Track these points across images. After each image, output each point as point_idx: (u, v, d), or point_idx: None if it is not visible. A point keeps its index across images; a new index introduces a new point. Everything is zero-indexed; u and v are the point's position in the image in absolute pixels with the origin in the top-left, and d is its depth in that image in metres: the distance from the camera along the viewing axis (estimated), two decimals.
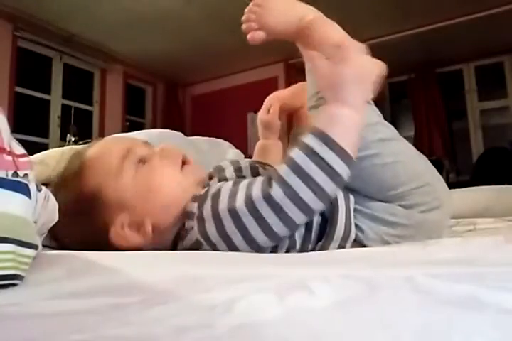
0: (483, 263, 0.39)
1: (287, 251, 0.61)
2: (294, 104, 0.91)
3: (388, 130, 0.68)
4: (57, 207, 0.52)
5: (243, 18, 0.69)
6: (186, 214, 0.59)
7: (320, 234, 0.62)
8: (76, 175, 0.62)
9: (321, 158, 0.53)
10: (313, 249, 0.62)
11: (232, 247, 0.55)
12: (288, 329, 0.24)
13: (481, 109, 4.43)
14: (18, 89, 3.52)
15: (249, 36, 0.67)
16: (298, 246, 0.61)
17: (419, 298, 0.27)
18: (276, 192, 0.53)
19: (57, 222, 0.52)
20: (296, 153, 0.55)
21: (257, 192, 0.54)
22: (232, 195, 0.56)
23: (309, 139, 0.55)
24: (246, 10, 0.69)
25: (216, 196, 0.58)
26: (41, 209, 0.43)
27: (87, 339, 0.24)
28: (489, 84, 4.46)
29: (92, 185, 0.60)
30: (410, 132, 4.53)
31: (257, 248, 0.56)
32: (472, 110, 4.46)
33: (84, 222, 0.60)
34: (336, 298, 0.28)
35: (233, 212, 0.54)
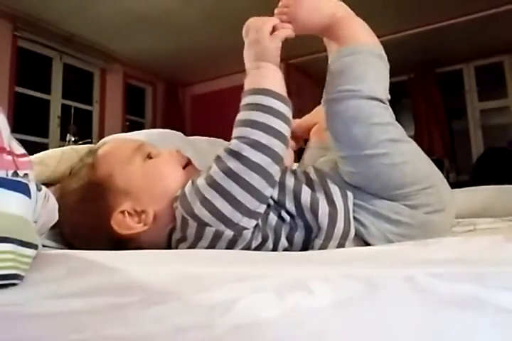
0: (483, 262, 0.39)
1: (276, 243, 0.62)
2: (312, 120, 0.97)
3: (398, 131, 0.69)
4: (57, 206, 0.52)
5: (276, 11, 0.70)
6: (175, 198, 0.62)
7: (307, 229, 0.63)
8: (89, 165, 0.67)
9: (259, 104, 0.61)
10: (313, 247, 0.62)
11: (214, 211, 0.57)
12: (287, 329, 0.24)
13: (481, 109, 4.43)
14: (18, 89, 3.52)
15: (276, 32, 0.68)
16: (283, 236, 0.62)
17: (419, 297, 0.27)
18: (233, 142, 0.60)
19: (63, 209, 0.54)
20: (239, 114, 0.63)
21: (220, 151, 0.61)
22: (208, 168, 0.61)
23: (244, 98, 0.64)
24: (280, 4, 0.69)
25: (196, 177, 0.62)
26: (41, 209, 0.43)
27: (87, 338, 0.24)
28: (489, 84, 4.45)
29: (103, 172, 0.65)
30: (410, 132, 4.53)
31: (239, 206, 0.57)
32: (472, 110, 4.45)
33: (89, 208, 0.63)
34: (335, 297, 0.28)
35: (208, 177, 0.59)
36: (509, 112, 4.28)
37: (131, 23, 3.58)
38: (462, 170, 4.31)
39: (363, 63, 0.68)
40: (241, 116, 0.62)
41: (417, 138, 4.37)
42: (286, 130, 0.61)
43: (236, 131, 0.62)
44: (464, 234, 0.82)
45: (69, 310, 0.29)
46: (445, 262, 0.41)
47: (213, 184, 0.57)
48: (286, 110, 0.63)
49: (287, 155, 0.95)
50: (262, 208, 0.60)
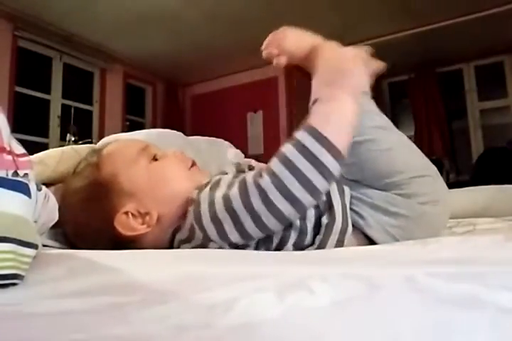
0: (483, 262, 0.39)
1: (282, 242, 0.61)
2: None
3: (383, 120, 0.72)
4: (57, 206, 0.52)
5: (264, 45, 0.77)
6: (187, 201, 0.61)
7: (316, 226, 0.63)
8: (94, 164, 0.67)
9: (311, 154, 0.54)
10: (313, 242, 0.62)
11: (221, 233, 0.57)
12: (288, 329, 0.24)
13: (480, 109, 4.42)
14: (18, 88, 3.51)
15: (274, 62, 0.75)
16: (294, 237, 0.62)
17: (419, 297, 0.27)
18: (265, 180, 0.55)
19: (66, 208, 0.54)
20: (287, 148, 0.56)
21: (249, 179, 0.57)
22: (230, 185, 0.59)
23: (301, 135, 0.57)
24: (266, 40, 0.77)
25: (216, 184, 0.61)
26: (41, 209, 0.43)
27: (87, 338, 0.24)
28: (489, 84, 4.45)
29: (108, 172, 0.65)
30: (410, 132, 4.53)
31: (246, 236, 0.57)
32: (472, 110, 4.45)
33: (93, 208, 0.63)
34: (335, 297, 0.28)
35: (226, 197, 0.57)
36: (509, 112, 4.28)
37: (131, 23, 3.58)
38: (462, 170, 4.31)
39: None
40: (289, 149, 0.56)
41: (417, 137, 4.37)
42: (324, 187, 0.56)
43: (274, 164, 0.56)
44: (464, 234, 0.82)
45: (69, 309, 0.29)
46: (445, 262, 0.41)
47: (229, 209, 0.56)
48: (334, 167, 0.56)
49: None
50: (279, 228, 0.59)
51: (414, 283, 0.29)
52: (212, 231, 0.57)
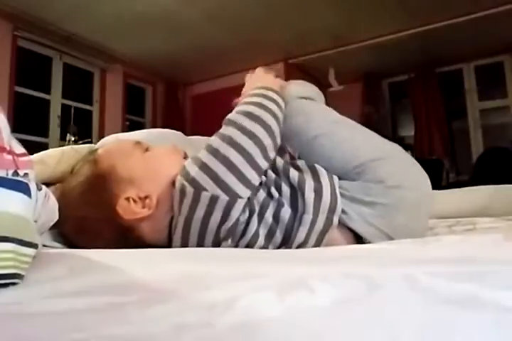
0: (482, 261, 0.39)
1: (260, 220, 0.64)
2: None
3: (337, 114, 0.81)
4: (57, 206, 0.52)
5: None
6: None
7: (293, 206, 0.66)
8: (91, 161, 0.69)
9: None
10: (300, 225, 0.64)
11: (213, 175, 0.60)
12: (288, 328, 0.24)
13: (480, 109, 4.42)
14: (18, 88, 3.51)
15: None
16: (268, 213, 0.65)
17: (419, 296, 0.27)
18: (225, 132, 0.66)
19: (65, 207, 0.55)
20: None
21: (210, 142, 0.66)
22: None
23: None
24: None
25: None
26: (41, 209, 0.43)
27: (87, 337, 0.24)
28: (489, 84, 4.45)
29: (106, 164, 0.67)
30: (410, 132, 4.53)
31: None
32: (472, 110, 4.45)
33: (93, 199, 0.65)
34: (336, 296, 0.28)
35: (207, 147, 0.64)
36: (509, 112, 4.28)
37: (131, 23, 3.58)
38: (462, 170, 4.31)
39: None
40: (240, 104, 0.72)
41: (417, 137, 4.36)
42: (278, 112, 0.71)
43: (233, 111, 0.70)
44: (464, 233, 0.82)
45: (69, 309, 0.29)
46: (445, 261, 0.41)
47: (211, 150, 0.63)
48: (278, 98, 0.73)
49: None
50: (256, 180, 0.63)
51: (414, 282, 0.29)
52: (203, 177, 0.60)
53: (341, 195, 0.68)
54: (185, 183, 0.61)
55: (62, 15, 3.44)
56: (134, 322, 0.26)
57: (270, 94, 0.73)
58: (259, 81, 0.81)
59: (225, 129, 0.66)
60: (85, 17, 3.48)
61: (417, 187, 0.72)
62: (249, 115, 0.67)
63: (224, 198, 0.60)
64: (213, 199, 0.60)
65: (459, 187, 1.44)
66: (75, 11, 3.36)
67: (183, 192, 0.61)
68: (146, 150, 0.72)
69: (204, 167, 0.61)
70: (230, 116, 0.69)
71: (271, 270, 0.38)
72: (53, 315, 0.28)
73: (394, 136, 4.42)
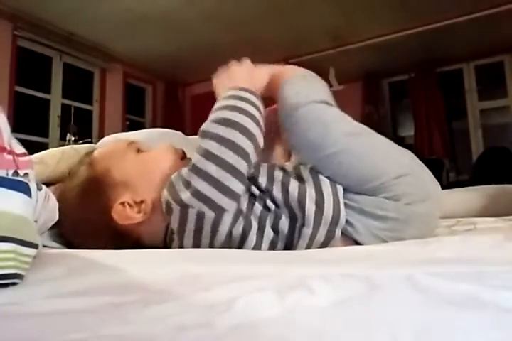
0: (483, 262, 0.39)
1: (261, 233, 0.63)
2: None
3: (353, 124, 0.74)
4: (57, 206, 0.52)
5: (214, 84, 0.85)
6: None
7: (292, 217, 0.65)
8: (87, 164, 0.69)
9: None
10: (299, 237, 0.63)
11: (196, 192, 0.59)
12: (288, 329, 0.24)
13: (481, 109, 4.42)
14: (18, 88, 3.51)
15: None
16: (268, 226, 0.64)
17: (419, 297, 0.27)
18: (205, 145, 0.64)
19: (62, 208, 0.54)
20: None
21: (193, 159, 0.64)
22: None
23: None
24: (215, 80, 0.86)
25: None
26: (41, 209, 0.43)
27: (87, 338, 0.24)
28: (489, 84, 4.45)
29: (101, 168, 0.67)
30: (410, 132, 4.53)
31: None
32: (472, 110, 4.44)
33: (89, 203, 0.65)
34: (335, 297, 0.28)
35: (189, 165, 0.62)
36: (509, 112, 4.28)
37: (131, 23, 3.58)
38: (462, 169, 4.31)
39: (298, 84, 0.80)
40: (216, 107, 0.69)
41: (417, 137, 4.36)
42: (254, 110, 0.66)
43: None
44: (464, 233, 0.82)
45: (69, 309, 0.29)
46: (445, 261, 0.41)
47: (192, 167, 0.60)
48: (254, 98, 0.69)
49: (278, 153, 0.97)
50: (240, 189, 0.61)
51: (414, 282, 0.29)
52: (187, 196, 0.59)
53: (349, 206, 0.66)
54: (171, 200, 0.60)
55: (62, 15, 3.44)
56: (133, 322, 0.26)
57: (242, 94, 0.69)
58: (228, 81, 0.79)
59: (202, 142, 0.63)
60: (85, 17, 3.48)
61: (429, 197, 0.70)
62: (223, 121, 0.64)
63: (210, 215, 0.59)
64: (200, 216, 0.59)
65: (459, 186, 1.44)
66: (75, 11, 3.36)
67: (169, 208, 0.60)
68: (139, 150, 0.71)
69: (187, 184, 0.59)
70: (203, 126, 0.66)
71: (270, 270, 0.38)
72: (53, 315, 0.28)
73: (394, 136, 4.44)
